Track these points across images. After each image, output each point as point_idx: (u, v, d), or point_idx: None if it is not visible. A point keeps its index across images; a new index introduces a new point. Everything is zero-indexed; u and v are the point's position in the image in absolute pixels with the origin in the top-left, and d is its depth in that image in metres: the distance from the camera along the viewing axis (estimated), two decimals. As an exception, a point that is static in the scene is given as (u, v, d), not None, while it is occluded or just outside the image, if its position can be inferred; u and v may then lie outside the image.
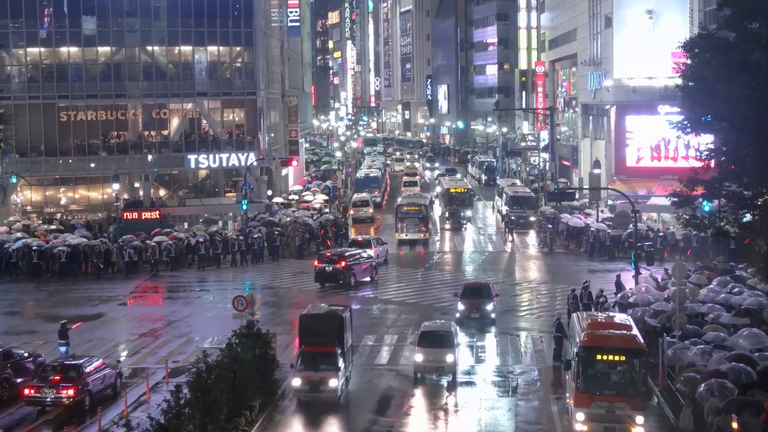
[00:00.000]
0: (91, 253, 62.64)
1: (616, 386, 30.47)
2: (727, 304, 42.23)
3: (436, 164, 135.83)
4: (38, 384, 34.28)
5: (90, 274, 62.17)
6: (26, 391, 34.25)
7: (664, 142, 77.58)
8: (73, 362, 35.45)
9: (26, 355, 37.86)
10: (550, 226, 71.26)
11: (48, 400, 33.90)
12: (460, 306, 46.78)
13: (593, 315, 35.38)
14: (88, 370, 34.90)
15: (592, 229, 67.11)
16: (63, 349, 40.88)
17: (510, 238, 74.20)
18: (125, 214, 71.94)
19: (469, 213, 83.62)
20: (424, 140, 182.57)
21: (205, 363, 29.10)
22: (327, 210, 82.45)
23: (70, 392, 33.77)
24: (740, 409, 28.31)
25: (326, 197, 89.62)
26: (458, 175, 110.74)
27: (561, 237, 70.68)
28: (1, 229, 70.96)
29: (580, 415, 30.10)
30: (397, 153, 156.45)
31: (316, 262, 57.62)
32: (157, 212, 72.49)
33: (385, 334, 45.63)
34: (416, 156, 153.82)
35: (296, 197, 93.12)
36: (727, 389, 29.89)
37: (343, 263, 56.28)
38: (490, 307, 46.55)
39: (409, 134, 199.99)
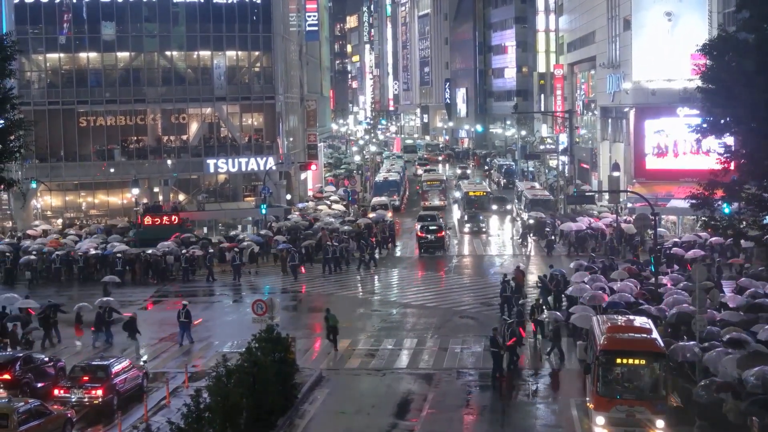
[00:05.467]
0: (139, 262, 62.62)
1: (636, 390, 30.37)
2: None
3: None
4: (67, 384, 34.65)
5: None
6: (55, 392, 34.56)
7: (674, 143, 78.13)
8: (101, 363, 35.78)
9: (46, 359, 38.08)
10: (548, 230, 71.86)
11: (76, 400, 34.12)
12: None
13: (613, 318, 35.26)
14: (115, 370, 35.22)
15: (589, 232, 68.05)
16: (182, 332, 44.57)
17: (529, 241, 74.05)
18: (145, 219, 72.10)
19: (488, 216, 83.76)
20: (442, 144, 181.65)
21: (225, 367, 29.14)
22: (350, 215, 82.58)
23: (99, 392, 34.09)
24: (761, 410, 28.19)
25: (343, 207, 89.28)
26: (477, 178, 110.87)
27: (567, 240, 70.67)
28: (32, 231, 71.86)
29: (600, 419, 30.02)
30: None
31: (419, 233, 71.03)
32: (177, 217, 72.67)
33: (404, 338, 45.63)
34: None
35: (321, 196, 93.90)
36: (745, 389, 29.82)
37: (442, 233, 70.80)
38: None
39: (427, 138, 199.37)
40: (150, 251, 63.39)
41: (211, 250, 64.07)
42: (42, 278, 62.42)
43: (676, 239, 64.82)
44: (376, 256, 66.96)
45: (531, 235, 74.11)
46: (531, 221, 75.99)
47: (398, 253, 71.39)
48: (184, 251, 63.44)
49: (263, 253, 67.19)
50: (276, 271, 64.39)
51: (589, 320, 39.23)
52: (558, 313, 43.34)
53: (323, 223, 73.85)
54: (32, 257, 62.78)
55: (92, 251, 64.18)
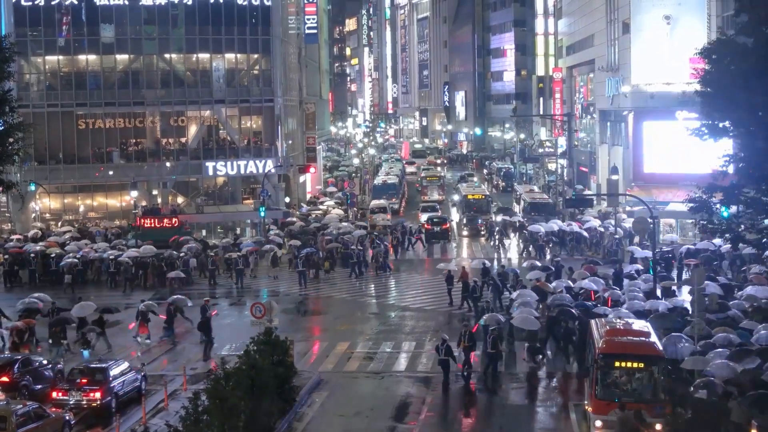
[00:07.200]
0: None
1: (635, 393, 30.38)
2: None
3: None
4: (65, 387, 34.62)
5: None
6: (54, 394, 34.52)
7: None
8: (99, 365, 35.77)
9: (45, 362, 38.07)
10: (525, 232, 71.90)
11: (74, 402, 34.06)
12: None
13: (611, 322, 35.27)
14: (114, 373, 35.18)
15: (553, 237, 69.06)
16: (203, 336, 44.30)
17: (505, 242, 74.27)
18: (144, 222, 72.03)
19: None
20: (442, 147, 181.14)
21: (224, 370, 29.15)
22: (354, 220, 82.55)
23: (97, 395, 34.09)
24: (761, 410, 28.23)
25: (342, 211, 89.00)
26: (476, 181, 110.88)
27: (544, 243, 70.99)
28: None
29: (599, 422, 30.03)
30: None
31: (425, 225, 76.36)
32: (176, 219, 72.63)
33: (403, 341, 45.62)
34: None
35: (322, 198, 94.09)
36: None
37: (446, 225, 77.33)
38: None
39: (426, 141, 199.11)
40: (166, 254, 63.40)
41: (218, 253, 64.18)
42: (44, 281, 62.15)
43: (690, 246, 64.20)
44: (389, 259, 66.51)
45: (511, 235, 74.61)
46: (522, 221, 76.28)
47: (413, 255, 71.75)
48: (182, 254, 63.37)
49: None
50: (291, 276, 64.05)
51: (531, 322, 40.25)
52: (499, 315, 43.02)
53: (334, 227, 73.65)
54: (74, 260, 62.31)
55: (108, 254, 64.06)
